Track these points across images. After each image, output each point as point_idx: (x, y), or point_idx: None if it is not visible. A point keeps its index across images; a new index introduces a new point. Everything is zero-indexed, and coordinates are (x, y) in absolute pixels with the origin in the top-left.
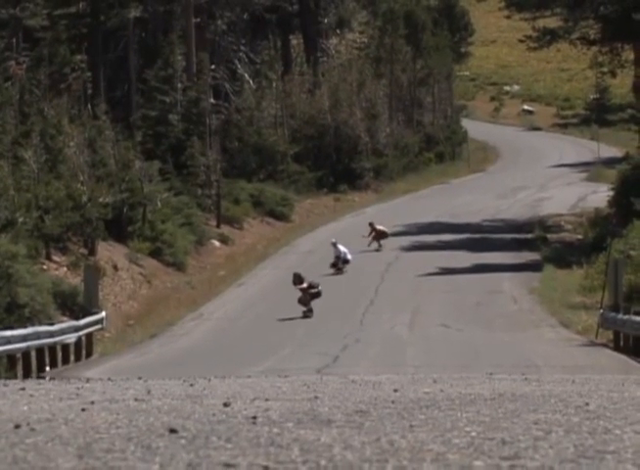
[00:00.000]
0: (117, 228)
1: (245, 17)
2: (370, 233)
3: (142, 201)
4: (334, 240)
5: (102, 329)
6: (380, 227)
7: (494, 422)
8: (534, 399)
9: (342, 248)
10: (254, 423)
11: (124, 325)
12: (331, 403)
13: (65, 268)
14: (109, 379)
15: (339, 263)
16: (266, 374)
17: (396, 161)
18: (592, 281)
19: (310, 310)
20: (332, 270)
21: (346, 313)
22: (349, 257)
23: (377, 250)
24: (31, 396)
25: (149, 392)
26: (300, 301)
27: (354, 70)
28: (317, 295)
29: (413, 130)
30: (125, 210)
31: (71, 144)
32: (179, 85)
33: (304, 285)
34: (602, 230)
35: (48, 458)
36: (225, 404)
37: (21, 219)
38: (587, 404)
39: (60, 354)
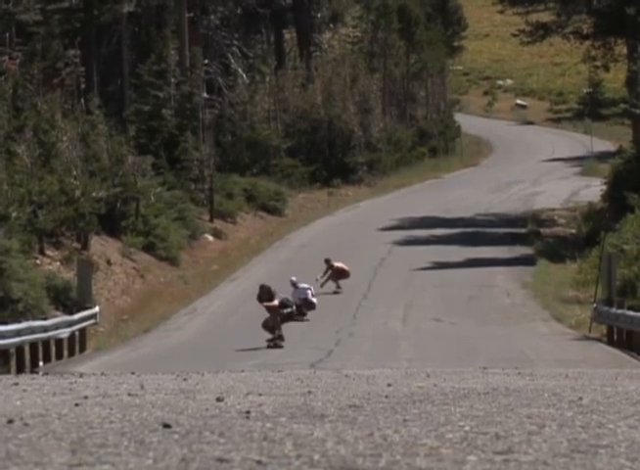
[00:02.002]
0: (111, 223)
1: (238, 11)
2: (326, 272)
3: (135, 195)
4: (294, 278)
5: (95, 324)
6: (338, 264)
7: (488, 416)
8: (528, 393)
9: (304, 287)
10: (248, 418)
11: (118, 320)
12: (324, 398)
13: (58, 263)
14: (102, 374)
15: (302, 309)
16: (260, 369)
17: (390, 155)
18: (585, 275)
19: (281, 337)
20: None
21: (340, 308)
22: (314, 300)
23: (335, 292)
24: (25, 390)
25: (142, 387)
26: (267, 325)
27: (347, 64)
28: (290, 316)
29: (406, 125)
30: (118, 204)
31: (65, 139)
32: (172, 80)
33: (275, 302)
34: (595, 224)
35: (41, 453)
36: (218, 399)
37: (14, 214)
38: (581, 399)
39: (53, 349)
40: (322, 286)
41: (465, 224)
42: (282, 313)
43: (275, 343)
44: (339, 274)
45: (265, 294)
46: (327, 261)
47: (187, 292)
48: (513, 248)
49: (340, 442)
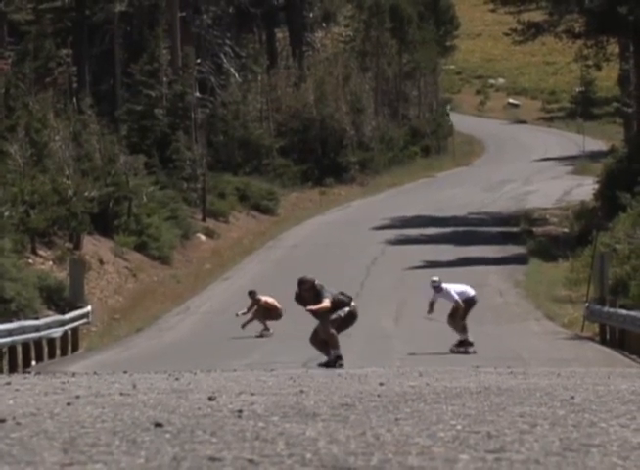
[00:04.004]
0: (103, 222)
1: (230, 10)
2: (250, 308)
3: (127, 195)
4: (436, 278)
5: (88, 323)
6: (267, 299)
7: (480, 415)
8: (520, 392)
9: (453, 289)
10: (240, 417)
11: (110, 319)
12: (316, 397)
13: (50, 263)
14: (94, 373)
15: (461, 316)
16: (252, 368)
17: (382, 154)
18: (578, 274)
19: (340, 358)
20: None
21: None
22: (472, 292)
23: (261, 335)
24: (17, 390)
25: (134, 386)
26: (316, 339)
27: (340, 63)
28: (352, 318)
29: (399, 124)
30: (111, 204)
31: (57, 138)
32: (165, 79)
33: (326, 302)
34: (587, 223)
35: (33, 453)
36: (210, 398)
37: (6, 214)
38: (573, 398)
39: (46, 349)
40: (244, 327)
41: (457, 223)
42: (339, 319)
43: (330, 367)
44: (266, 313)
45: (308, 291)
46: (251, 294)
47: (179, 291)
48: (505, 247)
49: (332, 441)
